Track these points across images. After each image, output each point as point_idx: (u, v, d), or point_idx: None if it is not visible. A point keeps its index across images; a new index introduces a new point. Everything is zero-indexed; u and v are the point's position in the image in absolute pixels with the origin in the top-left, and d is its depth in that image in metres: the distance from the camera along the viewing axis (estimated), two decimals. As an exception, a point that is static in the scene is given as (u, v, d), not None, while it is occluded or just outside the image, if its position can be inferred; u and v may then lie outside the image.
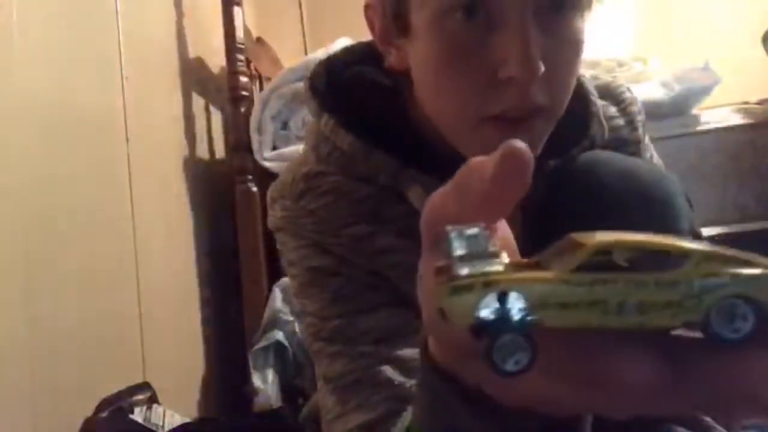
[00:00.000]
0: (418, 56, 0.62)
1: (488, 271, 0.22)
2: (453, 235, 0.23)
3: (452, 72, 0.59)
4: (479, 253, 0.22)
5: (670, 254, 0.22)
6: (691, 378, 0.23)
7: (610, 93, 0.77)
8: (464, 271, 0.22)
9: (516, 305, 0.21)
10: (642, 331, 0.22)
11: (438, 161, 0.66)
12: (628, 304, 0.21)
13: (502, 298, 0.21)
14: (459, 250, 0.22)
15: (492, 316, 0.21)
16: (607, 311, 0.21)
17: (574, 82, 0.62)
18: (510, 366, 0.21)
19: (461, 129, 0.62)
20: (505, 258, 0.23)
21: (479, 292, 0.21)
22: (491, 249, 0.22)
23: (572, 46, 0.60)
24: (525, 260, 0.24)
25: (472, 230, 0.23)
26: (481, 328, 0.22)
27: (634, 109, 0.77)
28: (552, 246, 0.24)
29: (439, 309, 0.22)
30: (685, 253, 0.22)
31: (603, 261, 0.22)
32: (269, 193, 0.74)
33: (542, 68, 0.55)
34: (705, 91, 1.83)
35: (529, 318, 0.21)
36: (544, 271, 0.22)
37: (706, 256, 0.22)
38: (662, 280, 0.22)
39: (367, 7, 0.67)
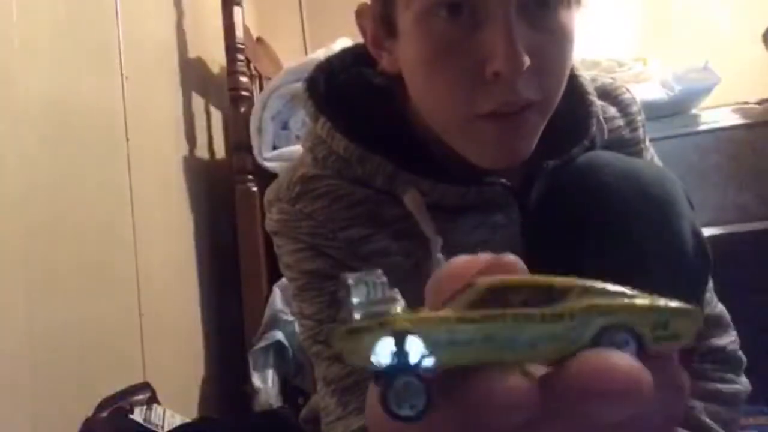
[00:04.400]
0: (406, 57, 0.62)
1: (383, 313, 0.22)
2: (350, 282, 0.22)
3: (440, 70, 0.59)
4: (377, 300, 0.22)
5: (553, 289, 0.22)
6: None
7: (609, 94, 0.77)
8: (360, 314, 0.22)
9: (414, 348, 0.21)
10: (537, 362, 0.22)
11: (434, 164, 0.66)
12: (519, 338, 0.21)
13: (400, 340, 0.21)
14: (356, 297, 0.22)
15: (387, 360, 0.21)
16: (500, 346, 0.21)
17: (565, 75, 0.62)
18: (405, 411, 0.21)
19: (455, 127, 0.62)
20: (402, 303, 0.22)
21: (375, 333, 0.21)
22: (388, 294, 0.22)
23: (560, 39, 0.59)
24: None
25: (369, 277, 0.23)
26: (378, 372, 0.21)
27: (634, 109, 0.77)
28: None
29: (339, 351, 0.22)
30: (567, 288, 0.22)
31: (500, 301, 0.22)
32: (266, 196, 0.73)
33: (528, 62, 0.54)
34: (705, 91, 1.82)
35: (425, 360, 0.21)
36: (437, 311, 0.22)
37: (586, 290, 0.23)
38: (547, 314, 0.22)
39: (358, 15, 0.67)
